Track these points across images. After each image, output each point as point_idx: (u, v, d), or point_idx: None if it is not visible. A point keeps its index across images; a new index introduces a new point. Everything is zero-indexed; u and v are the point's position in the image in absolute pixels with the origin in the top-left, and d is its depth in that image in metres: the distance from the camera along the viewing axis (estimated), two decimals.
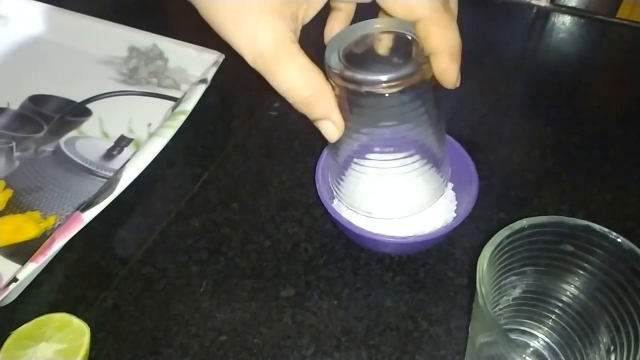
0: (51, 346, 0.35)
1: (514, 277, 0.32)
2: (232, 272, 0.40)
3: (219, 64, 0.51)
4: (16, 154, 0.49)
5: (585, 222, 0.29)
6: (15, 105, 0.53)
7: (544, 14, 0.62)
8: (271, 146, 0.49)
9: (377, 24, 0.33)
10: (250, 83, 0.55)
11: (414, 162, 0.35)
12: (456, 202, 0.41)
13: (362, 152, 0.35)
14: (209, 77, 0.50)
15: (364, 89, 0.31)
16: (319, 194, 0.38)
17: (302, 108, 0.31)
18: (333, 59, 0.32)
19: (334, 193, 0.39)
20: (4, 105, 0.53)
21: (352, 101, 0.32)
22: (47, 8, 0.59)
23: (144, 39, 0.55)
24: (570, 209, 0.44)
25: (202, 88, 0.49)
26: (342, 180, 0.38)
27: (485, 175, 0.45)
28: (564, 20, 0.61)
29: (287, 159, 0.48)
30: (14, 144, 0.50)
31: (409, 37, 0.32)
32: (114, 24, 0.57)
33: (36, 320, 0.36)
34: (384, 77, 0.31)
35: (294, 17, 0.29)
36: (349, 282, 0.40)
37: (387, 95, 0.31)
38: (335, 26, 0.34)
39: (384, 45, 0.33)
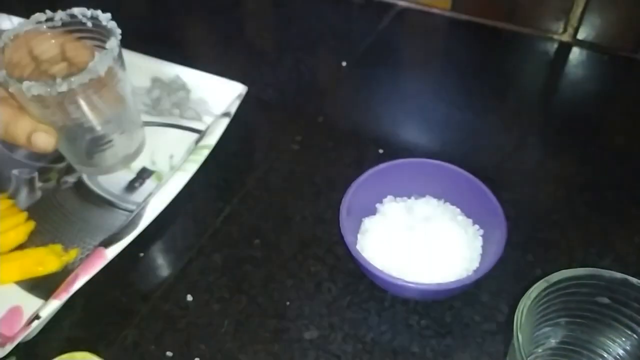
0: None
1: (547, 329, 0.31)
2: (255, 311, 0.40)
3: (242, 96, 0.51)
4: (38, 184, 0.49)
5: (623, 276, 0.29)
6: None
7: (566, 49, 0.61)
8: (293, 181, 0.49)
9: None
10: (272, 115, 0.56)
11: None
12: (482, 245, 0.40)
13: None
14: (233, 110, 0.50)
15: None
16: (343, 235, 0.38)
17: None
18: None
19: None
20: None
21: None
22: None
23: (167, 69, 0.55)
24: (598, 252, 0.43)
25: (226, 122, 0.48)
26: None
27: (511, 216, 0.44)
28: (586, 56, 0.60)
29: (310, 195, 0.48)
30: (36, 174, 0.50)
31: None
32: (137, 54, 0.57)
33: (58, 358, 0.36)
34: None
35: None
36: (374, 324, 0.39)
37: None
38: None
39: None
